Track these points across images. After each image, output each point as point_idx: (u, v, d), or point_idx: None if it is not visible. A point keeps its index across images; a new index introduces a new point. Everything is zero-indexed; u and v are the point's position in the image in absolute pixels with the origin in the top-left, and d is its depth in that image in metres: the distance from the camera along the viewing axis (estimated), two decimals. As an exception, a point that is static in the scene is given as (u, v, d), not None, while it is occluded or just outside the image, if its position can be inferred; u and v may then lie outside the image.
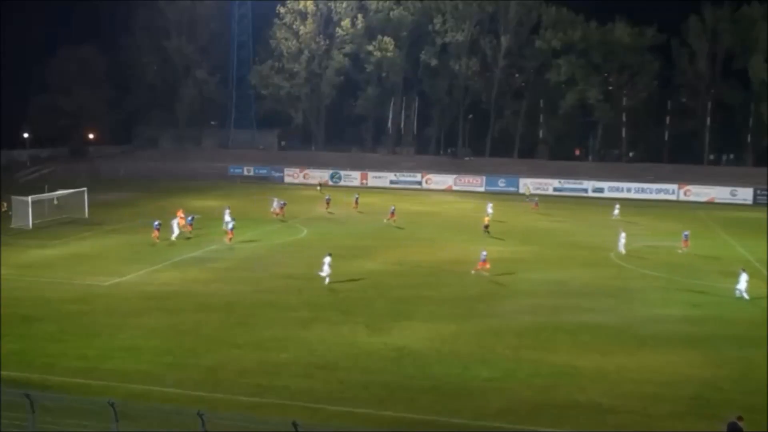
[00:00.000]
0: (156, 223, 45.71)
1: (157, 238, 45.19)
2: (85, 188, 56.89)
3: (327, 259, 35.91)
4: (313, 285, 36.04)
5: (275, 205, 59.85)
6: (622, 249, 45.18)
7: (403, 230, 53.41)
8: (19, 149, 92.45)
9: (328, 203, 62.83)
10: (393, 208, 56.66)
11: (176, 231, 46.35)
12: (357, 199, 64.96)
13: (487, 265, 38.08)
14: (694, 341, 27.95)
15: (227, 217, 49.33)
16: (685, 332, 29.18)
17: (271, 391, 22.44)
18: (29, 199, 50.54)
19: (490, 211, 56.29)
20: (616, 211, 60.94)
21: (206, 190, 75.69)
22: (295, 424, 15.56)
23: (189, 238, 46.92)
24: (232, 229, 46.84)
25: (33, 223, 50.26)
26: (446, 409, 21.41)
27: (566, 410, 21.55)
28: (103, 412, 16.95)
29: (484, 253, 38.61)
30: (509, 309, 32.43)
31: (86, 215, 55.06)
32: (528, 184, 79.93)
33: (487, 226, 51.26)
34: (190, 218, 48.88)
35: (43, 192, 54.74)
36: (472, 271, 38.28)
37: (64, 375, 23.38)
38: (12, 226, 50.09)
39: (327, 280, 35.58)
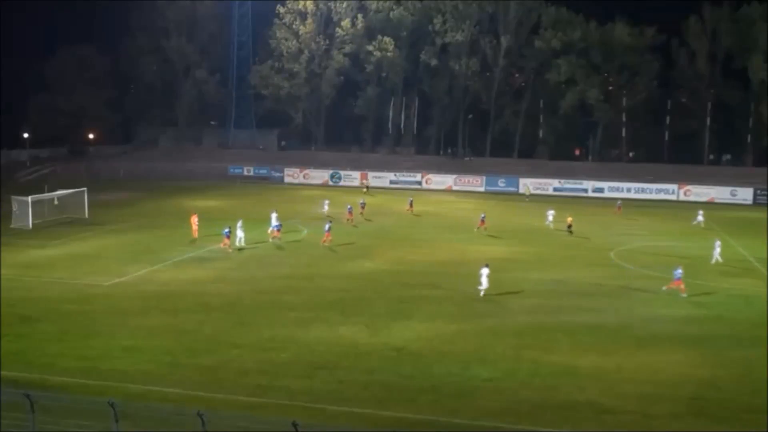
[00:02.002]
0: (225, 230, 43.78)
1: (228, 246, 43.47)
2: (85, 188, 56.86)
3: (485, 271, 34.00)
4: (313, 285, 36.06)
5: (325, 207, 58.46)
6: (718, 258, 42.40)
7: (404, 230, 53.37)
8: (19, 149, 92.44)
9: (362, 208, 59.09)
10: (483, 215, 53.35)
11: (240, 234, 45.04)
12: (411, 202, 62.35)
13: (682, 285, 34.54)
14: (694, 341, 27.93)
15: (274, 221, 49.03)
16: (685, 332, 29.17)
17: (271, 391, 22.43)
18: (29, 199, 50.52)
19: (550, 218, 54.86)
20: (700, 218, 57.42)
21: (206, 190, 75.68)
22: (295, 424, 15.55)
23: (279, 245, 46.08)
24: (278, 229, 46.81)
25: (33, 223, 50.23)
26: (446, 409, 21.40)
27: (566, 410, 21.54)
28: (103, 412, 16.93)
29: (679, 271, 34.87)
30: (509, 309, 32.42)
31: (86, 215, 55.03)
32: (528, 184, 79.95)
33: (570, 226, 51.70)
34: (278, 224, 47.13)
35: (43, 192, 54.73)
36: (664, 288, 35.12)
37: (64, 375, 23.37)
38: (12, 226, 50.07)
39: (482, 293, 33.84)
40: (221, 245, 43.50)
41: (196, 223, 47.96)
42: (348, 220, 55.00)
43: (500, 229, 54.65)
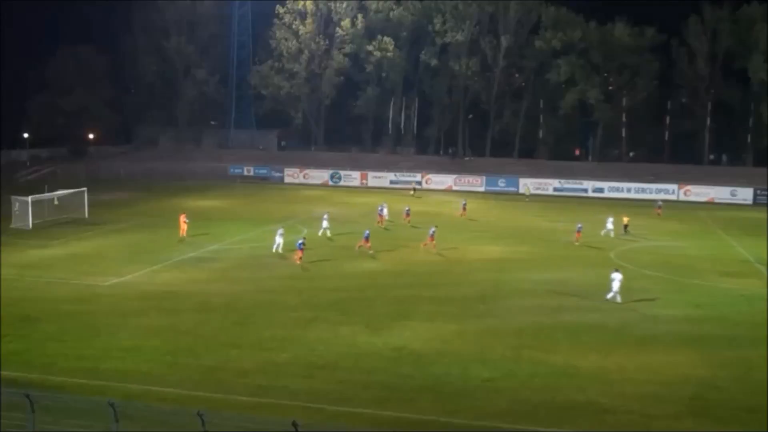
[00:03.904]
0: (299, 242, 41.09)
1: (301, 259, 40.42)
2: (85, 188, 56.86)
3: (617, 276, 33.15)
4: (313, 285, 36.04)
5: (384, 211, 55.38)
6: None
7: (405, 230, 53.21)
8: (19, 149, 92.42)
9: (407, 215, 55.38)
10: (580, 226, 49.18)
11: (279, 240, 43.18)
12: (465, 205, 60.48)
13: None
14: (694, 341, 27.94)
15: (325, 223, 48.73)
16: (685, 332, 29.18)
17: (271, 391, 22.44)
18: (29, 199, 50.51)
19: (610, 226, 51.22)
20: None
21: (206, 190, 75.67)
22: (295, 424, 15.56)
23: (371, 254, 43.38)
24: (367, 238, 43.58)
25: (33, 223, 50.21)
26: (446, 409, 21.41)
27: (566, 410, 21.55)
28: (103, 412, 16.94)
29: None
30: (509, 309, 32.43)
31: (86, 215, 55.04)
32: (528, 184, 79.94)
33: (626, 226, 51.10)
34: (367, 233, 44.19)
35: (43, 192, 54.72)
36: None
37: (64, 375, 23.38)
38: (12, 226, 50.05)
39: (618, 298, 32.95)
40: (295, 259, 40.58)
41: (185, 221, 47.73)
42: (379, 222, 53.61)
43: (500, 229, 54.70)
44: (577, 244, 48.07)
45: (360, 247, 43.73)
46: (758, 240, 50.23)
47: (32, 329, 28.15)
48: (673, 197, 76.53)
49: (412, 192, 75.41)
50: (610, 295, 33.23)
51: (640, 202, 73.14)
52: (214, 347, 26.43)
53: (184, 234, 47.30)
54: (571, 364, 25.13)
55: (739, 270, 41.46)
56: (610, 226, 51.62)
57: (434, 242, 44.54)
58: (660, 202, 66.35)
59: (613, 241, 49.88)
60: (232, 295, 33.76)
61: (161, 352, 25.80)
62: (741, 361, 25.85)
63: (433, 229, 45.41)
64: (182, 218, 48.11)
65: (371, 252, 43.40)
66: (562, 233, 52.92)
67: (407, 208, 56.92)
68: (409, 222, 54.61)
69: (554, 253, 45.54)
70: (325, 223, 49.00)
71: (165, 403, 20.41)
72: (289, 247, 42.95)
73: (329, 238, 47.90)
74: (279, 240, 43.36)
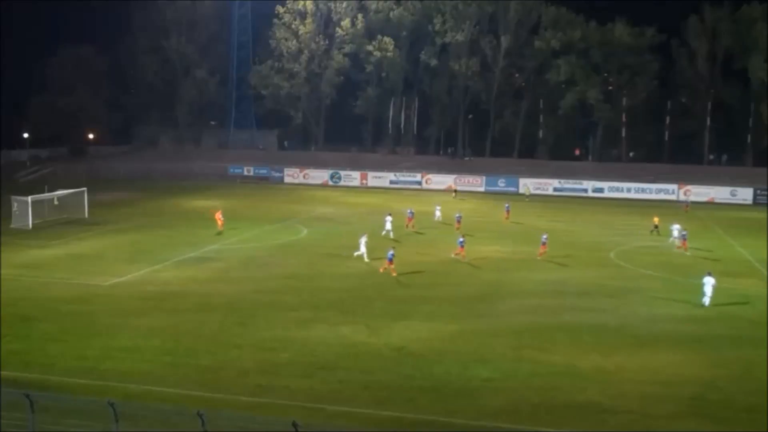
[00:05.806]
0: (390, 253, 38.24)
1: (393, 270, 37.99)
2: (85, 188, 56.87)
3: (710, 280, 32.56)
4: (313, 285, 36.04)
5: (437, 214, 55.47)
6: None
7: (404, 230, 53.22)
8: (19, 149, 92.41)
9: (459, 222, 52.30)
10: (686, 233, 46.84)
11: (363, 249, 41.41)
12: (508, 208, 58.73)
13: None
14: (694, 341, 27.93)
15: (388, 225, 48.49)
16: (685, 332, 29.17)
17: (271, 391, 22.43)
18: (29, 199, 50.51)
19: (676, 234, 48.03)
20: None
21: (206, 190, 75.71)
22: (295, 424, 15.56)
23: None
24: (462, 245, 42.10)
25: (33, 223, 50.21)
26: (446, 409, 21.40)
27: (566, 410, 21.54)
28: (103, 412, 16.93)
29: None
30: (509, 309, 32.41)
31: (86, 215, 55.05)
32: (528, 184, 79.96)
33: (656, 226, 51.10)
34: (461, 240, 42.59)
35: (43, 192, 54.72)
36: None
37: (64, 375, 23.37)
38: (12, 226, 50.05)
39: (707, 301, 32.56)
40: (387, 270, 38.23)
41: (220, 218, 49.64)
42: (407, 225, 52.58)
43: (500, 229, 54.66)
44: (688, 254, 45.52)
45: (457, 254, 42.38)
46: (758, 240, 50.22)
47: (32, 329, 28.14)
48: (673, 197, 76.58)
49: (453, 194, 74.80)
50: (706, 301, 32.53)
51: (640, 202, 73.13)
52: (214, 347, 26.41)
53: (221, 228, 49.32)
54: (571, 364, 25.12)
55: (739, 270, 41.41)
56: (676, 233, 48.61)
57: (546, 249, 43.41)
58: (688, 201, 68.88)
59: (615, 240, 49.86)
60: (232, 295, 33.75)
61: (161, 352, 25.79)
62: (741, 361, 25.84)
63: (545, 236, 44.25)
64: (218, 215, 50.00)
65: (465, 259, 42.06)
66: (562, 233, 52.95)
67: (458, 215, 53.64)
68: (459, 230, 50.69)
69: (554, 253, 45.48)
70: (388, 225, 48.57)
71: (165, 403, 20.39)
72: (373, 255, 41.18)
73: (395, 240, 47.20)
74: (363, 249, 41.48)
